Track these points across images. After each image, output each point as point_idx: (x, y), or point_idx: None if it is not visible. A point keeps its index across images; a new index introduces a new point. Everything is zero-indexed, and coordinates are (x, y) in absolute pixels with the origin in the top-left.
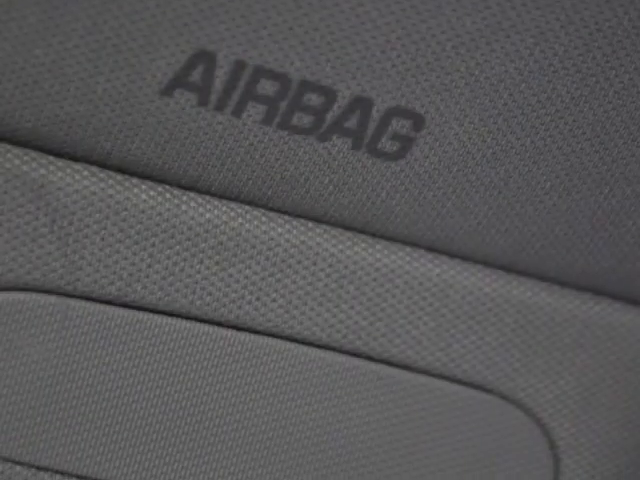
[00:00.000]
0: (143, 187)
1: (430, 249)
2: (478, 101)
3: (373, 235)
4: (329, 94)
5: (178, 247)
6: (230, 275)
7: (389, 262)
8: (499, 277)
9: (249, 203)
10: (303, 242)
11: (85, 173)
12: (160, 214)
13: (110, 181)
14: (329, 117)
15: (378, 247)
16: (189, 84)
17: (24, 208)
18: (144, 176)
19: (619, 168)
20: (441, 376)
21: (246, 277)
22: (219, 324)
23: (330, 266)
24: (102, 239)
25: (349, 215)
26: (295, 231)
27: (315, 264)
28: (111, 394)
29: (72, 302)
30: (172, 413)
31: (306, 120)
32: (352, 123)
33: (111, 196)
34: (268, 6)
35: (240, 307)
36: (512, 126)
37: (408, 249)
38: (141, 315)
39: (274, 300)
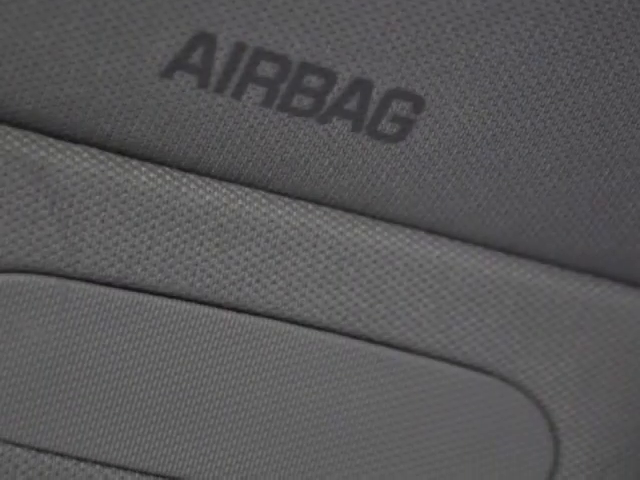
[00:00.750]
0: (143, 169)
1: (430, 231)
2: (478, 83)
3: (373, 217)
4: (329, 76)
5: (178, 229)
6: (230, 257)
7: (389, 244)
8: (499, 259)
9: (249, 185)
10: (303, 224)
11: (85, 155)
12: (160, 196)
13: (110, 163)
14: (329, 99)
15: (378, 229)
16: (189, 66)
17: (24, 190)
18: (144, 158)
19: (619, 150)
20: (441, 358)
21: (246, 259)
22: (219, 306)
23: (330, 248)
24: (102, 221)
25: (349, 197)
26: (295, 213)
27: (315, 246)
28: (111, 376)
29: (72, 284)
30: (172, 395)
31: (306, 102)
32: (352, 105)
33: (111, 178)
34: None
35: (240, 289)
36: (512, 108)
37: (408, 231)
38: (141, 297)
39: (274, 282)
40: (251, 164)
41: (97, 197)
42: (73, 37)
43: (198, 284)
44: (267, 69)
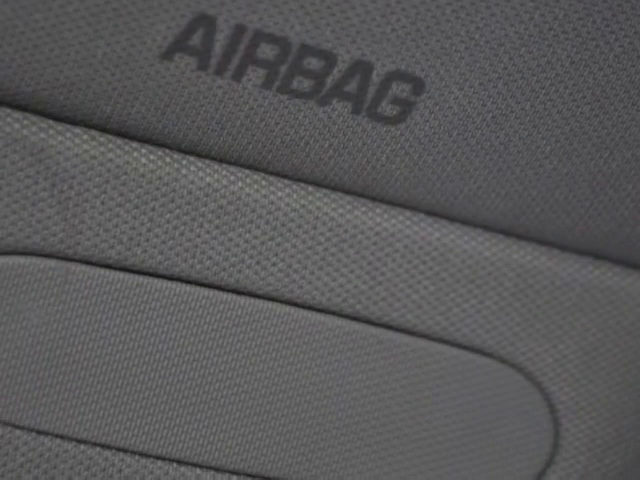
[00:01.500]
0: (143, 151)
1: (430, 213)
2: (478, 65)
3: (373, 199)
4: (329, 58)
5: (178, 211)
6: (230, 239)
7: (389, 226)
8: (499, 241)
9: (249, 167)
10: (303, 206)
11: (85, 137)
12: (160, 178)
13: (110, 145)
14: (329, 81)
15: (378, 211)
16: (189, 48)
17: (24, 172)
18: (144, 140)
19: (619, 132)
20: (441, 340)
21: (246, 241)
22: (219, 288)
23: (330, 230)
24: (102, 203)
25: (349, 179)
26: (295, 195)
27: (315, 228)
28: (111, 358)
29: (72, 266)
30: (172, 377)
31: (306, 84)
32: (352, 87)
33: (111, 160)
34: None
35: (240, 271)
36: (512, 90)
37: (408, 213)
38: (141, 279)
39: (274, 264)
40: (251, 146)
41: (97, 179)
42: (73, 19)
43: (198, 266)
44: (267, 51)
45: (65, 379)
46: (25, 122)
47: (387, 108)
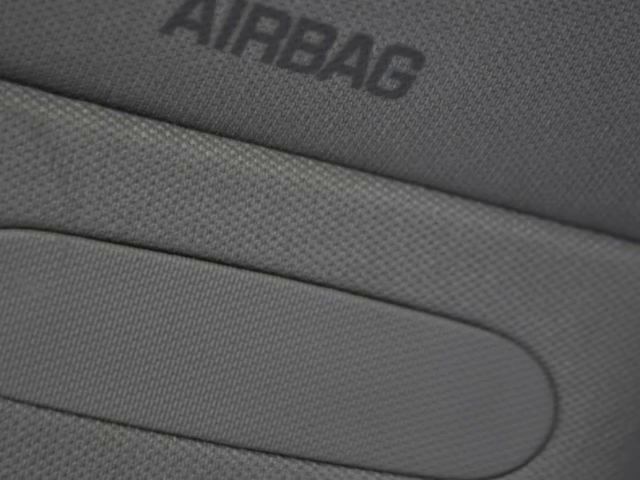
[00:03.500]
0: (143, 125)
1: (430, 187)
2: (478, 39)
3: (373, 173)
4: (329, 32)
5: (178, 185)
6: (230, 213)
7: (389, 200)
8: (499, 215)
9: (249, 141)
10: (303, 180)
11: (85, 111)
12: (160, 152)
13: (110, 119)
14: (329, 55)
15: (378, 185)
16: (189, 22)
17: (24, 146)
18: (144, 114)
19: (619, 106)
20: (441, 314)
21: (246, 215)
22: (219, 262)
23: (330, 204)
24: (102, 177)
25: (349, 153)
26: (295, 169)
27: (315, 202)
28: (111, 332)
29: (72, 240)
30: (172, 351)
31: (306, 58)
32: (352, 61)
33: (111, 134)
34: None
35: (240, 245)
36: (512, 64)
37: (408, 187)
38: (141, 253)
39: (274, 238)
40: (251, 120)
41: (97, 153)
42: None
43: (198, 240)
44: (267, 25)
45: (65, 353)
46: (25, 96)
47: (387, 82)
